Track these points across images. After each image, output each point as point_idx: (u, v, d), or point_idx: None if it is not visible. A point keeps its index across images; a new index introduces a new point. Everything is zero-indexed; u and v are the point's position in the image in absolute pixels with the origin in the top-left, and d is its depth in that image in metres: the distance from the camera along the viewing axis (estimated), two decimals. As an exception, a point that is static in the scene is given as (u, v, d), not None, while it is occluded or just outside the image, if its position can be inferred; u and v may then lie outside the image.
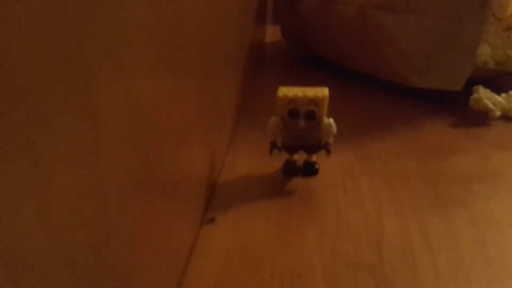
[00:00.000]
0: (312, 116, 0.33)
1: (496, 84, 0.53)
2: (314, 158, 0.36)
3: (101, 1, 0.14)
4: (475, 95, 0.48)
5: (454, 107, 0.51)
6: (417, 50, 0.50)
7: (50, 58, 0.12)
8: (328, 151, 0.35)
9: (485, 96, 0.48)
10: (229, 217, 0.31)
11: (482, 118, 0.48)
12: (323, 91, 0.33)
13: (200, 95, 0.29)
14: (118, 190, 0.16)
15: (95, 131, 0.14)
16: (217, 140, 0.35)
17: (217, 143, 0.35)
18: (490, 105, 0.47)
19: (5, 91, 0.10)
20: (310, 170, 0.36)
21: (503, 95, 0.49)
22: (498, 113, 0.47)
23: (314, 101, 0.33)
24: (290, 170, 0.36)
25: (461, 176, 0.36)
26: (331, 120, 0.34)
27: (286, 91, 0.33)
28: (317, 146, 0.35)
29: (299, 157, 0.36)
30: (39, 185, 0.11)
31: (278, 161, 0.37)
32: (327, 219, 0.31)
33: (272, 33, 0.89)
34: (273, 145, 0.35)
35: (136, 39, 0.17)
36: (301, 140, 0.34)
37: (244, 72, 0.52)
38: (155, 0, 0.19)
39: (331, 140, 0.35)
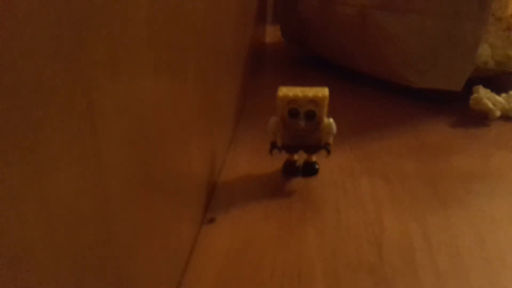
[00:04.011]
0: (312, 116, 0.33)
1: (496, 84, 0.53)
2: (314, 158, 0.36)
3: (101, 1, 0.14)
4: (475, 95, 0.48)
5: (454, 107, 0.51)
6: (417, 50, 0.50)
7: (50, 58, 0.12)
8: (328, 151, 0.35)
9: (485, 96, 0.48)
10: (229, 217, 0.31)
11: (482, 118, 0.48)
12: (323, 91, 0.33)
13: (200, 96, 0.29)
14: (118, 190, 0.16)
15: (95, 131, 0.14)
16: (217, 140, 0.35)
17: (217, 143, 0.35)
18: (490, 105, 0.47)
19: (5, 91, 0.10)
20: (310, 170, 0.36)
21: (503, 95, 0.49)
22: (498, 113, 0.47)
23: (314, 101, 0.33)
24: (290, 170, 0.36)
25: (461, 176, 0.36)
26: (331, 120, 0.34)
27: (286, 91, 0.33)
28: (317, 146, 0.35)
29: (299, 157, 0.36)
30: (39, 185, 0.11)
31: (278, 161, 0.37)
32: (327, 219, 0.31)
33: (272, 33, 0.89)
34: (273, 145, 0.35)
35: (136, 39, 0.17)
36: (301, 140, 0.34)
37: (244, 72, 0.52)
38: (155, 0, 0.19)
39: (331, 140, 0.35)
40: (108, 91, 0.15)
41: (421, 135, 0.44)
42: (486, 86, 0.50)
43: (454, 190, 0.34)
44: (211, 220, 0.31)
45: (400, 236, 0.29)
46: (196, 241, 0.29)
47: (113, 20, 0.15)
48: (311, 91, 0.33)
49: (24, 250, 0.11)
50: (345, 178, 0.36)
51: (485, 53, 0.51)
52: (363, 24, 0.55)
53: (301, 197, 0.34)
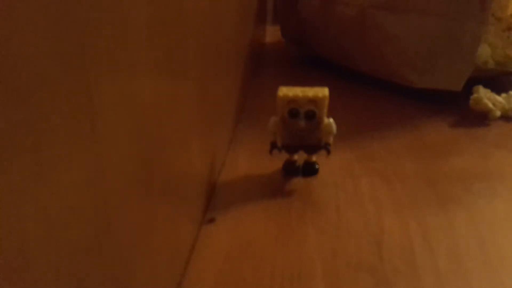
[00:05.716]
0: (312, 116, 0.33)
1: (496, 84, 0.53)
2: (314, 158, 0.36)
3: (101, 1, 0.14)
4: (475, 95, 0.48)
5: (454, 107, 0.51)
6: (417, 50, 0.50)
7: (50, 57, 0.12)
8: (328, 151, 0.35)
9: (485, 96, 0.48)
10: (229, 217, 0.31)
11: (482, 118, 0.48)
12: (323, 91, 0.33)
13: (200, 95, 0.29)
14: (118, 190, 0.16)
15: (95, 131, 0.14)
16: (217, 140, 0.35)
17: (217, 143, 0.35)
18: (490, 105, 0.47)
19: (5, 91, 0.10)
20: (310, 170, 0.36)
21: (503, 95, 0.49)
22: (498, 113, 0.47)
23: (314, 101, 0.33)
24: (290, 170, 0.36)
25: (461, 176, 0.36)
26: (331, 120, 0.34)
27: (286, 91, 0.33)
28: (317, 146, 0.35)
29: (299, 157, 0.36)
30: (39, 185, 0.11)
31: (278, 161, 0.37)
32: (327, 219, 0.31)
33: (272, 33, 0.89)
34: (273, 145, 0.35)
35: (136, 39, 0.17)
36: (301, 140, 0.34)
37: (244, 72, 0.52)
38: (155, 0, 0.19)
39: (331, 140, 0.35)
40: (108, 91, 0.15)
41: (421, 135, 0.44)
42: (486, 86, 0.50)
43: (454, 190, 0.34)
44: (211, 220, 0.31)
45: (400, 236, 0.29)
46: (196, 241, 0.29)
47: (113, 20, 0.15)
48: (311, 91, 0.33)
49: (24, 250, 0.11)
50: (345, 178, 0.36)
51: (485, 53, 0.51)
52: (363, 24, 0.55)
53: (301, 197, 0.34)
